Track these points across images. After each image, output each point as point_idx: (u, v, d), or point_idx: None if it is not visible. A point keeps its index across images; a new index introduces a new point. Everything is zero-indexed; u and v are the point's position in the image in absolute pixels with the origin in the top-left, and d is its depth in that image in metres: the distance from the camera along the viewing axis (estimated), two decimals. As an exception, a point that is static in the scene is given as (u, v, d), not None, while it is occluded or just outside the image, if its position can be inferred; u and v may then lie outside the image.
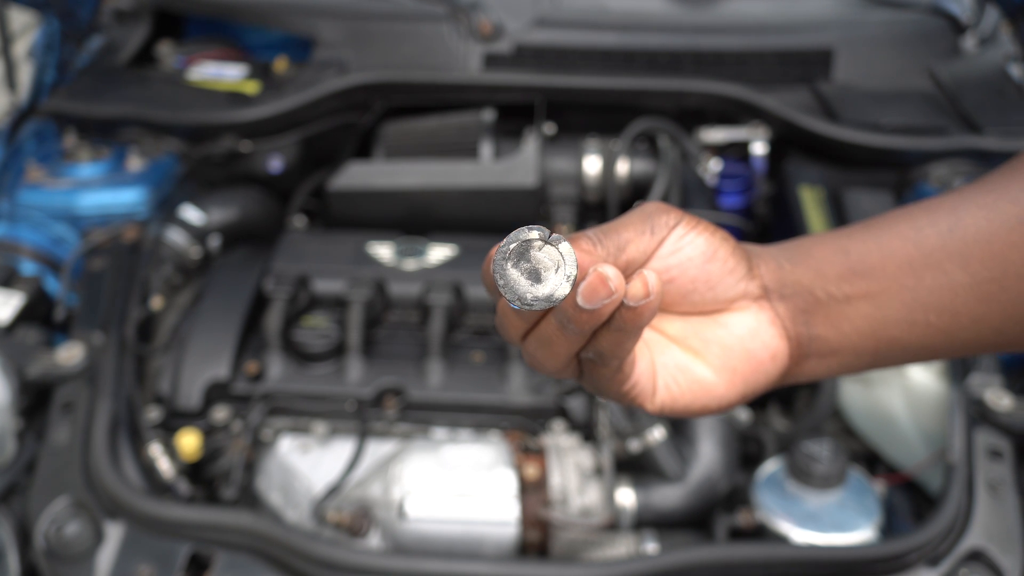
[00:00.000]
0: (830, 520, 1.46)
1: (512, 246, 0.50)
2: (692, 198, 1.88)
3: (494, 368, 1.69)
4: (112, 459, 1.45)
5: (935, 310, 0.62)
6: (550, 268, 0.50)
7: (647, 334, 0.65)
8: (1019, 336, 0.61)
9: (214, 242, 1.92)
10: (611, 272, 0.51)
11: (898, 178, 1.97)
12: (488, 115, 1.98)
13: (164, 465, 1.55)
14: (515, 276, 0.50)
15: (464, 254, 1.81)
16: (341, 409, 1.64)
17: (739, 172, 2.05)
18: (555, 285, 0.50)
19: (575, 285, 0.50)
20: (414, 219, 1.91)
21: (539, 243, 0.49)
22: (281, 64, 2.16)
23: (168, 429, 1.63)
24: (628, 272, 0.61)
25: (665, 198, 1.85)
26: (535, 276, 0.50)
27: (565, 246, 0.50)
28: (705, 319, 0.65)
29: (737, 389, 0.65)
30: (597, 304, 0.51)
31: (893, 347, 0.64)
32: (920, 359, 0.66)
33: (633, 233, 0.61)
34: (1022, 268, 0.59)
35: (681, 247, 0.62)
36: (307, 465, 1.61)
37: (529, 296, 0.50)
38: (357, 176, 1.91)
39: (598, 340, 0.56)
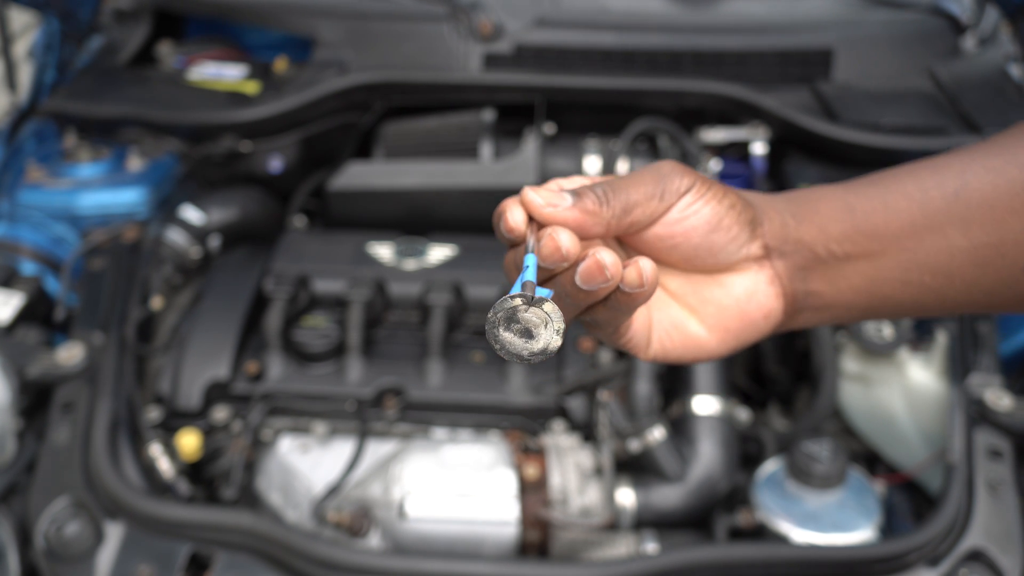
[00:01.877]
0: (830, 520, 1.46)
1: (500, 315, 0.53)
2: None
3: (494, 368, 1.69)
4: (112, 459, 1.45)
5: (930, 271, 0.62)
6: (539, 325, 0.53)
7: None
8: (1008, 300, 0.62)
9: (214, 242, 1.92)
10: (608, 260, 0.54)
11: (898, 178, 1.97)
12: (488, 115, 1.98)
13: (164, 465, 1.55)
14: (509, 338, 0.54)
15: (464, 254, 1.81)
16: (341, 409, 1.64)
17: (739, 172, 2.05)
18: (547, 340, 0.54)
19: (575, 265, 0.55)
20: (414, 219, 1.91)
21: (524, 307, 0.53)
22: (281, 64, 2.16)
23: (168, 429, 1.63)
24: (632, 232, 0.62)
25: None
26: (527, 334, 0.54)
27: (549, 305, 0.53)
28: (705, 278, 0.66)
29: (728, 345, 0.67)
30: (594, 287, 0.54)
31: (886, 303, 0.65)
32: (909, 315, 0.67)
33: (642, 196, 0.61)
34: (1020, 235, 0.59)
35: (687, 216, 0.63)
36: (307, 465, 1.61)
37: (526, 353, 0.54)
38: (357, 176, 1.91)
39: (595, 312, 0.59)
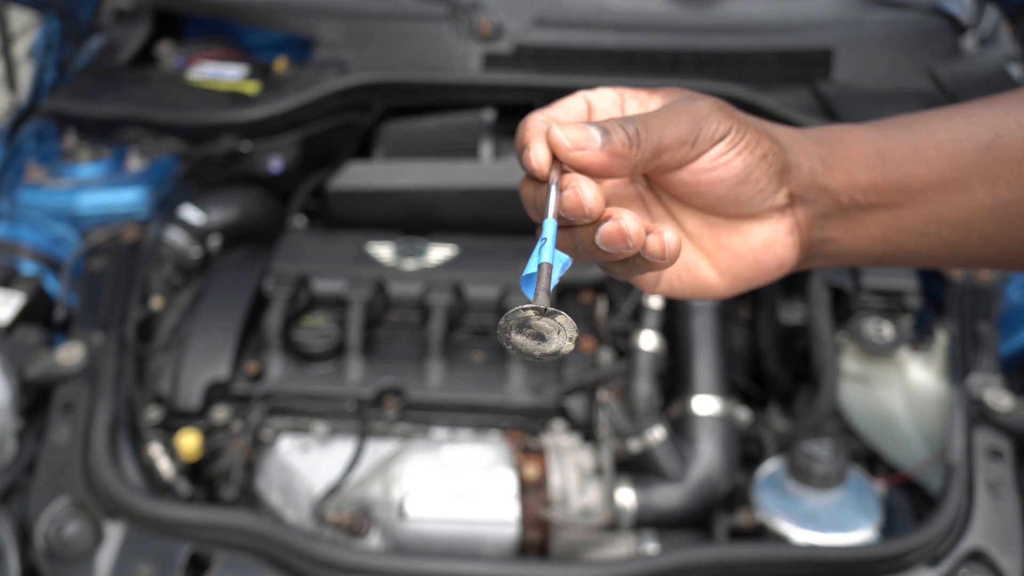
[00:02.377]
0: (830, 520, 1.46)
1: (512, 322, 0.53)
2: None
3: (494, 368, 1.69)
4: (112, 459, 1.45)
5: (950, 225, 0.61)
6: (552, 332, 0.53)
7: None
8: (1021, 260, 0.61)
9: (214, 242, 1.92)
10: (632, 229, 0.52)
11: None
12: (488, 115, 1.98)
13: (164, 465, 1.55)
14: (521, 340, 0.53)
15: (464, 254, 1.81)
16: (341, 409, 1.64)
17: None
18: (560, 344, 0.53)
19: (596, 222, 0.53)
20: (414, 219, 1.91)
21: (536, 316, 0.52)
22: (281, 64, 2.16)
23: (168, 429, 1.63)
24: (655, 172, 0.60)
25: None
26: (540, 338, 0.53)
27: (562, 317, 0.52)
28: (724, 222, 0.64)
29: (735, 289, 0.66)
30: (614, 251, 0.53)
31: (900, 254, 0.64)
32: (920, 266, 0.67)
33: (674, 141, 0.57)
34: None
35: (716, 167, 0.60)
36: (307, 465, 1.61)
37: (538, 353, 0.54)
38: (357, 176, 1.90)
39: (610, 267, 0.58)
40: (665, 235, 0.53)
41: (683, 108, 0.59)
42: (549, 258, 0.52)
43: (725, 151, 0.59)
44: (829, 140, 0.65)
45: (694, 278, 0.65)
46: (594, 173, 0.56)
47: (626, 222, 0.52)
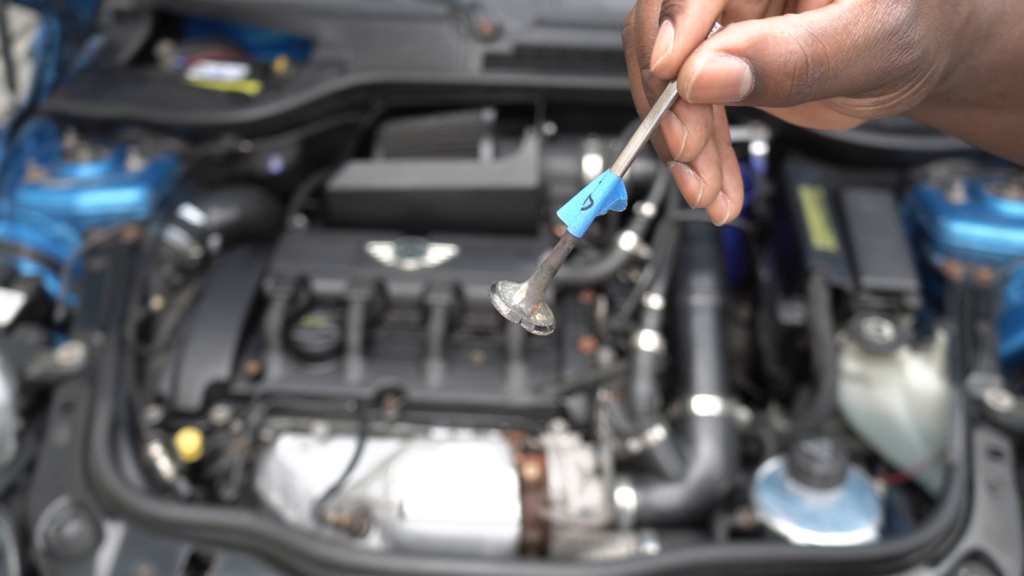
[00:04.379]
0: (830, 520, 1.46)
1: (498, 311, 0.53)
2: (692, 198, 1.88)
3: (494, 368, 1.69)
4: (112, 459, 1.45)
5: None
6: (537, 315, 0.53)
7: None
8: None
9: (214, 242, 1.92)
10: (705, 196, 0.49)
11: (898, 178, 1.97)
12: (488, 115, 1.98)
13: (164, 465, 1.55)
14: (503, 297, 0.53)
15: (464, 254, 1.81)
16: (341, 409, 1.64)
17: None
18: (544, 322, 0.53)
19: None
20: (414, 219, 1.91)
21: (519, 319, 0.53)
22: (281, 64, 2.16)
23: (168, 429, 1.63)
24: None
25: (664, 199, 1.85)
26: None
27: (541, 316, 0.52)
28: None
29: (855, 124, 0.59)
30: (681, 190, 0.50)
31: (968, 137, 0.60)
32: (979, 147, 0.62)
33: (853, 89, 0.48)
34: None
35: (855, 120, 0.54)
36: (307, 465, 1.61)
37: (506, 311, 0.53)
38: (357, 176, 1.91)
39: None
40: (730, 208, 0.50)
41: (880, 34, 0.46)
42: (605, 193, 0.49)
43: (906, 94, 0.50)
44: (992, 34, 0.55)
45: (817, 119, 0.58)
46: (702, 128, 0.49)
47: (705, 183, 0.49)
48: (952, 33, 0.49)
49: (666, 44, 0.45)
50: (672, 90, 0.47)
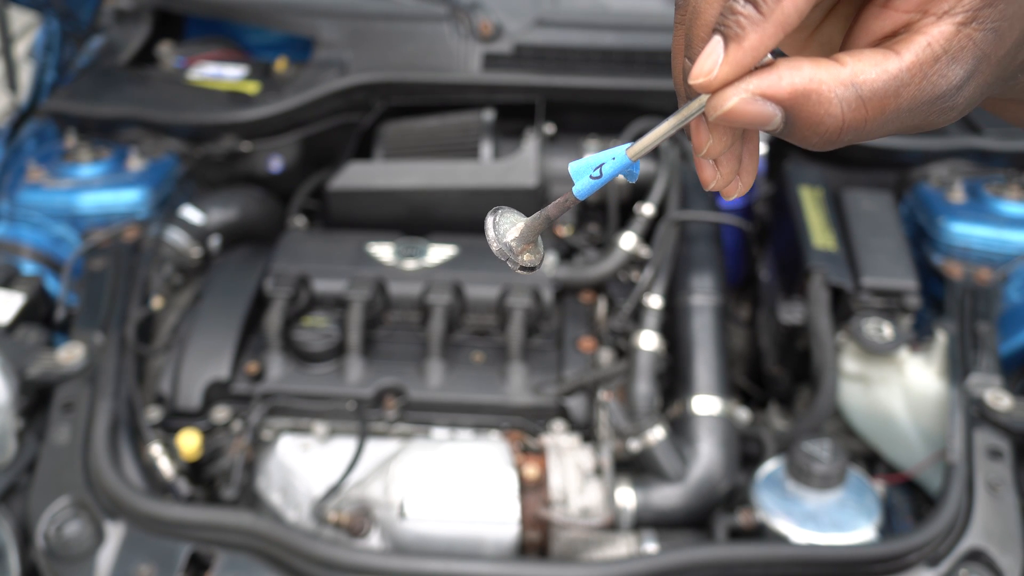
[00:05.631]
0: (830, 520, 1.46)
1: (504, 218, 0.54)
2: (692, 198, 1.88)
3: (494, 368, 1.69)
4: (112, 459, 1.45)
5: None
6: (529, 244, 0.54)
7: None
8: None
9: (214, 242, 1.92)
10: (719, 184, 0.49)
11: (898, 178, 1.97)
12: (488, 115, 1.98)
13: (164, 465, 1.55)
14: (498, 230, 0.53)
15: (464, 254, 1.81)
16: (341, 409, 1.64)
17: (739, 172, 2.05)
18: (519, 259, 0.53)
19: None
20: (414, 219, 1.91)
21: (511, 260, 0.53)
22: (281, 64, 2.16)
23: (168, 429, 1.63)
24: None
25: (664, 199, 1.85)
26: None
27: (528, 256, 0.53)
28: None
29: None
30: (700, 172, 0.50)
31: (1012, 117, 0.55)
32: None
33: (909, 130, 0.46)
34: None
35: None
36: (307, 465, 1.61)
37: (496, 237, 0.53)
38: (357, 176, 1.91)
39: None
40: (739, 189, 0.50)
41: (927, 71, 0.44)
42: (613, 170, 0.49)
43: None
44: None
45: None
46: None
47: (721, 175, 0.48)
48: (1003, 80, 0.47)
49: (710, 67, 0.43)
50: (705, 100, 0.46)
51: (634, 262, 1.83)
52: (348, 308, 1.70)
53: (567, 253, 1.93)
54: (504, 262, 0.53)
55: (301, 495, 1.59)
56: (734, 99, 0.43)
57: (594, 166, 0.50)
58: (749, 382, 1.98)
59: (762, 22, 0.42)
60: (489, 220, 0.53)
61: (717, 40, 0.43)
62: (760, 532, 1.51)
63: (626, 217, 1.89)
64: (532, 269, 0.53)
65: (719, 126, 0.47)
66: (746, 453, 1.68)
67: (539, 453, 1.60)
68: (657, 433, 1.57)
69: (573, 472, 1.55)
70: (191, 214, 1.90)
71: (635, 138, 0.55)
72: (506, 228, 0.53)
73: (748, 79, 0.43)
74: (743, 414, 1.75)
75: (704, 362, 1.68)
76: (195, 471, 1.64)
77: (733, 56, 0.43)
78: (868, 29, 0.47)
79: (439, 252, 1.81)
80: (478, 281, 1.74)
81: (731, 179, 0.49)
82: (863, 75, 0.43)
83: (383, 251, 1.82)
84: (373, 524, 1.53)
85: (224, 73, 2.15)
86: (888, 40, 0.45)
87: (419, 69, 2.03)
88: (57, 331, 1.70)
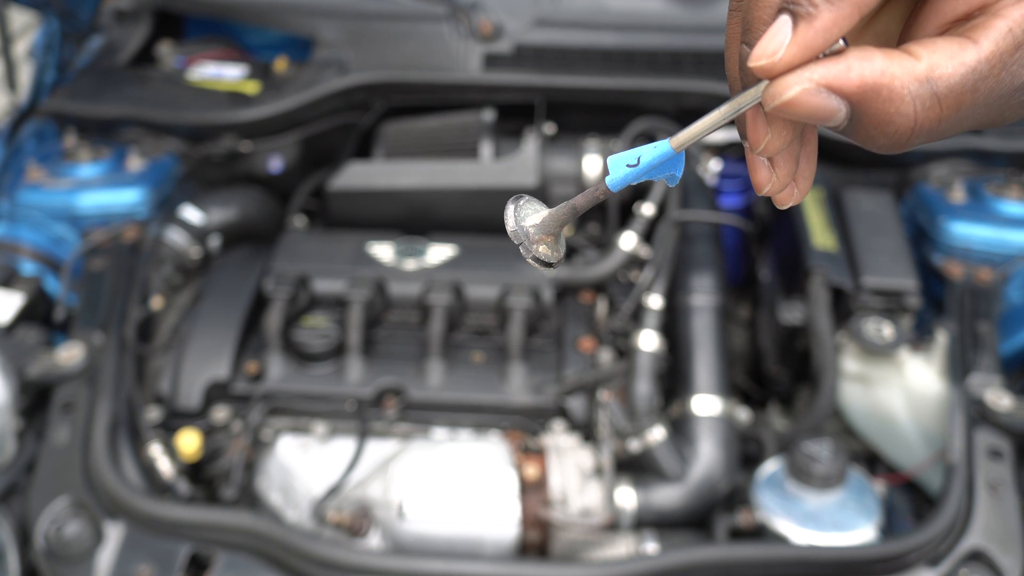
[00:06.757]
0: (830, 520, 1.46)
1: (525, 207, 0.50)
2: (692, 198, 1.88)
3: (494, 368, 1.69)
4: (112, 459, 1.45)
5: None
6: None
7: None
8: None
9: (214, 242, 1.92)
10: (773, 189, 0.45)
11: (898, 178, 1.97)
12: (488, 115, 1.98)
13: (164, 465, 1.55)
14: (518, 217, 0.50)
15: (464, 254, 1.81)
16: (341, 409, 1.64)
17: (739, 172, 2.05)
18: (534, 250, 0.50)
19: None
20: (414, 219, 1.91)
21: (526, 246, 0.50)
22: (281, 64, 2.16)
23: (168, 429, 1.63)
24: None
25: (665, 199, 1.85)
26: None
27: (544, 248, 0.49)
28: None
29: None
30: (752, 176, 0.47)
31: None
32: None
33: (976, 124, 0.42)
34: None
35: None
36: (307, 465, 1.61)
37: (514, 222, 0.50)
38: (357, 176, 1.91)
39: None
40: (795, 197, 0.46)
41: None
42: (653, 159, 0.45)
43: None
44: None
45: None
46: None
47: (777, 178, 0.44)
48: None
49: (775, 48, 0.39)
50: (761, 89, 0.42)
51: (634, 262, 1.83)
52: (348, 308, 1.69)
53: (567, 253, 1.93)
54: (517, 246, 0.49)
55: (301, 495, 1.59)
56: (796, 88, 0.39)
57: (633, 156, 0.46)
58: (749, 382, 1.98)
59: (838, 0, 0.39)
60: (510, 206, 0.49)
61: (785, 19, 0.39)
62: (760, 532, 1.51)
63: (626, 217, 1.88)
64: (546, 265, 0.49)
65: (779, 119, 0.42)
66: (746, 453, 1.68)
67: (539, 453, 1.60)
68: (657, 433, 1.57)
69: (573, 472, 1.55)
70: (191, 214, 1.90)
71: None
72: (527, 213, 0.49)
73: (812, 67, 0.39)
74: (743, 414, 1.75)
75: (704, 362, 1.68)
76: (195, 471, 1.64)
77: (802, 36, 0.39)
78: (938, 11, 0.42)
79: (439, 252, 1.81)
80: (478, 281, 1.74)
81: (787, 183, 0.45)
82: (939, 69, 0.39)
83: (383, 251, 1.82)
84: (373, 524, 1.53)
85: (224, 73, 2.15)
86: (959, 25, 0.41)
87: (419, 69, 2.03)
88: (57, 331, 1.70)
